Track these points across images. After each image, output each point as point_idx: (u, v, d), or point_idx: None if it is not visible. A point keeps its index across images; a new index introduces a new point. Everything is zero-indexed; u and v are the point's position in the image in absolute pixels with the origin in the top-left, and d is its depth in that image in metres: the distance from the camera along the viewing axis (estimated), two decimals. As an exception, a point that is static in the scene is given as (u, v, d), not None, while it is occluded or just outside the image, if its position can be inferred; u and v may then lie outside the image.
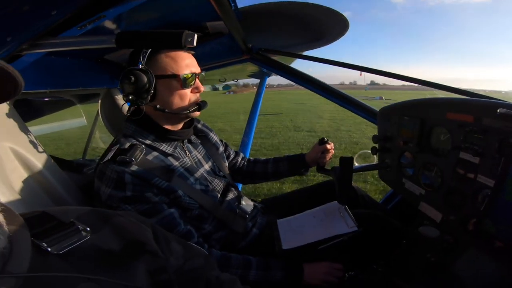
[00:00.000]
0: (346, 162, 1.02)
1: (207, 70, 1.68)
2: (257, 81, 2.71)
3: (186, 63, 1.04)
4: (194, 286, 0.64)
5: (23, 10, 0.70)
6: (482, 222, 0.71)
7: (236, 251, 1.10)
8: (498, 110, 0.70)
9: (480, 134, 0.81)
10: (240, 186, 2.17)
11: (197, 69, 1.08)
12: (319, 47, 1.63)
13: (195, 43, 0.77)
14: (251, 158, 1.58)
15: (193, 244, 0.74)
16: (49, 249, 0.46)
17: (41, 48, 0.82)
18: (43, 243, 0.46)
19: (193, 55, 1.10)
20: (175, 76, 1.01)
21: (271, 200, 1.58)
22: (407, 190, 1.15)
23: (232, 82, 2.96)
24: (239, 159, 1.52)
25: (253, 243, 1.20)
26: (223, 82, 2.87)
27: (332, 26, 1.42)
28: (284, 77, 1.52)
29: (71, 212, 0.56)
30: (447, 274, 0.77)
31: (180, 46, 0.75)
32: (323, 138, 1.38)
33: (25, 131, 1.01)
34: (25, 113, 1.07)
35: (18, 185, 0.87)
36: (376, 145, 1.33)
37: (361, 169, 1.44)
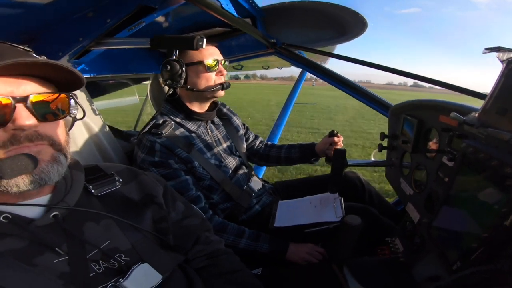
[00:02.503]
0: (339, 154, 1.11)
1: (236, 61, 1.87)
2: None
3: (210, 52, 1.25)
4: (185, 238, 0.82)
5: (89, 18, 0.99)
6: (432, 226, 0.76)
7: (236, 222, 1.27)
8: (450, 114, 0.73)
9: (459, 139, 0.83)
10: (263, 169, 2.34)
11: (219, 56, 1.29)
12: (340, 43, 1.67)
13: (204, 46, 0.97)
14: (268, 142, 1.73)
15: (195, 207, 0.92)
16: (93, 191, 0.69)
17: (103, 46, 1.11)
18: (90, 186, 0.69)
19: (218, 46, 1.32)
20: (201, 63, 1.23)
21: (283, 183, 1.71)
22: (401, 190, 1.18)
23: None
24: (257, 142, 1.69)
25: (253, 217, 1.37)
26: (266, 68, 3.05)
27: (353, 24, 1.46)
28: (307, 71, 1.62)
29: (113, 168, 0.79)
30: (406, 273, 0.85)
31: (193, 48, 0.96)
32: (332, 131, 1.46)
33: (90, 102, 1.35)
34: (92, 91, 1.43)
35: (81, 144, 1.21)
36: (382, 143, 1.36)
37: (369, 164, 1.49)
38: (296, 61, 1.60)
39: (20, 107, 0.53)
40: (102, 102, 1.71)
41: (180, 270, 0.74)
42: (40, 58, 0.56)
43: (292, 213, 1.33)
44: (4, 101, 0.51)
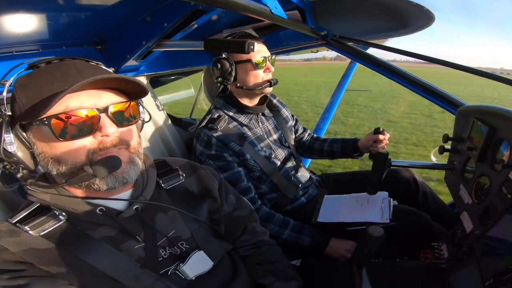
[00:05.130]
0: (380, 157, 1.07)
1: (285, 52, 1.84)
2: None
3: (257, 50, 1.26)
4: (235, 228, 0.90)
5: (148, 22, 1.09)
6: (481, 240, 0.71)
7: (281, 212, 1.33)
8: None
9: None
10: (309, 160, 2.32)
11: (266, 53, 1.31)
12: (401, 36, 1.49)
13: (255, 49, 1.00)
14: (314, 135, 1.72)
15: (245, 199, 0.99)
16: (163, 185, 0.79)
17: (162, 48, 1.23)
18: (160, 181, 0.79)
19: (267, 38, 1.32)
20: (249, 61, 1.26)
21: (331, 176, 1.70)
22: (459, 197, 1.08)
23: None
24: (306, 135, 1.69)
25: (297, 209, 1.41)
26: (315, 52, 2.95)
27: (417, 16, 1.30)
28: (360, 63, 1.50)
29: (177, 162, 0.89)
30: (442, 279, 0.81)
31: (244, 52, 1.00)
32: (378, 128, 1.38)
33: (155, 98, 1.51)
34: (153, 84, 1.59)
35: (150, 139, 1.38)
36: (444, 145, 1.24)
37: (426, 166, 1.37)
38: (348, 52, 1.50)
39: (103, 116, 0.61)
40: (162, 97, 1.89)
41: (228, 257, 0.83)
42: (114, 74, 0.64)
43: (336, 209, 1.33)
44: (91, 113, 0.60)
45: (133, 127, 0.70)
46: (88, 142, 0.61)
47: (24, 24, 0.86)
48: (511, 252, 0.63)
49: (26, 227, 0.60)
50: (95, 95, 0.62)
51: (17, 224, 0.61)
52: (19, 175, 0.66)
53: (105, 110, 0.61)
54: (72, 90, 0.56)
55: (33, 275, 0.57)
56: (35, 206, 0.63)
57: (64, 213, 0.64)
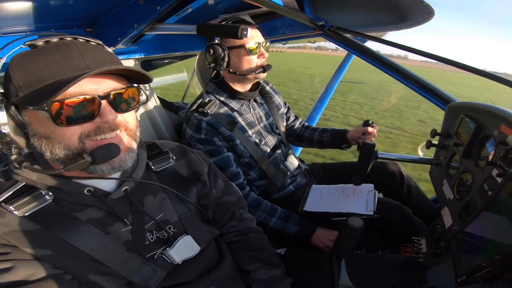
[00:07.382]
0: (366, 148, 1.08)
1: (281, 41, 1.81)
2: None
3: (251, 36, 1.24)
4: (222, 213, 0.90)
5: (140, 5, 1.06)
6: (458, 236, 0.74)
7: (269, 200, 1.34)
8: (507, 138, 0.65)
9: (515, 157, 0.75)
10: (300, 148, 2.33)
11: (261, 39, 1.29)
12: (399, 29, 1.48)
13: (249, 35, 0.98)
14: (305, 123, 1.72)
15: (234, 185, 0.99)
16: (152, 167, 0.78)
17: (155, 31, 1.19)
18: (150, 163, 0.78)
19: (263, 25, 1.30)
20: (242, 46, 1.24)
21: (320, 165, 1.71)
22: (442, 192, 1.12)
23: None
24: (297, 123, 1.69)
25: (284, 197, 1.42)
26: (313, 43, 2.91)
27: (416, 10, 1.29)
28: (357, 55, 1.49)
29: (167, 145, 0.88)
30: (418, 273, 0.85)
31: (237, 38, 0.98)
32: (367, 120, 1.39)
33: (145, 82, 1.47)
34: (145, 67, 1.55)
35: (139, 121, 1.36)
36: (432, 140, 1.26)
37: (413, 160, 1.40)
38: (345, 44, 1.49)
39: (104, 103, 0.59)
40: (154, 80, 1.86)
41: (214, 243, 0.84)
42: (120, 64, 0.63)
43: (323, 199, 1.35)
44: (92, 99, 0.58)
45: (132, 111, 0.69)
46: (84, 125, 0.60)
47: (12, 5, 0.82)
48: (486, 249, 0.66)
49: (11, 207, 0.58)
50: (97, 81, 0.60)
51: (2, 204, 0.59)
52: (13, 157, 0.63)
53: (106, 96, 0.60)
54: (76, 82, 0.54)
55: (17, 258, 0.56)
56: (21, 185, 0.62)
57: (50, 193, 0.62)
